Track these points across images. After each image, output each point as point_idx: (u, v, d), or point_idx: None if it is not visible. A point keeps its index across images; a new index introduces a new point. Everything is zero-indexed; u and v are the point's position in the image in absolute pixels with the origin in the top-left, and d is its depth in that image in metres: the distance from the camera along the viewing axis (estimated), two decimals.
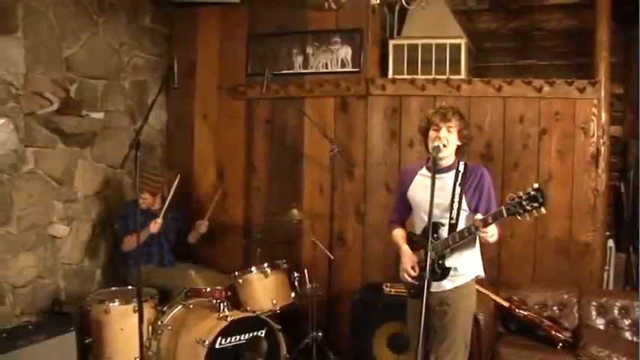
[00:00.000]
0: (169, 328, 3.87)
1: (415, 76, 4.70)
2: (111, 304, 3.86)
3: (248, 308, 4.08)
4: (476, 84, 4.62)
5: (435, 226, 3.12)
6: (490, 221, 2.84)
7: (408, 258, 3.25)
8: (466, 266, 3.17)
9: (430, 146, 3.12)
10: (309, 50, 4.90)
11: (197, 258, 4.93)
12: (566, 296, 4.25)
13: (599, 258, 4.49)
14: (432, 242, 3.04)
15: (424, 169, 3.26)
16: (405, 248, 3.29)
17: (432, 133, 3.12)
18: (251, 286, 4.15)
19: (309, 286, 4.42)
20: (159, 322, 3.91)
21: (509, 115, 4.59)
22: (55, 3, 4.18)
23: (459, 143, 3.16)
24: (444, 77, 4.64)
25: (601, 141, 4.43)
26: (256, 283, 4.15)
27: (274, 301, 4.12)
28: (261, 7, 5.04)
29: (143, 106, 5.04)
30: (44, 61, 4.14)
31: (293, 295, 4.28)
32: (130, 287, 4.16)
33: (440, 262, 3.14)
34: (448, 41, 4.70)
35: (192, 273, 4.48)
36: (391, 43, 4.82)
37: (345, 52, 4.81)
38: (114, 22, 4.67)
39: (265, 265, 4.21)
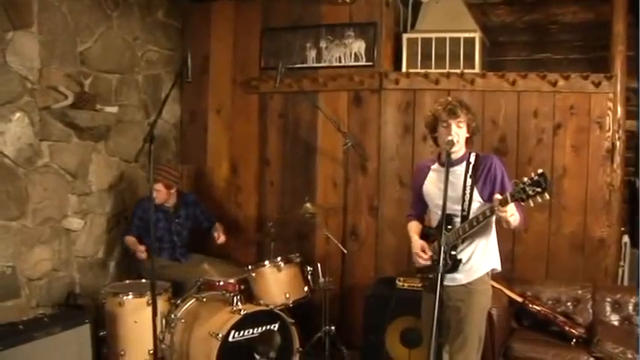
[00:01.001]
0: (183, 321, 3.89)
1: (429, 70, 4.67)
2: (125, 297, 3.89)
3: (261, 302, 4.09)
4: (490, 78, 4.59)
5: (449, 219, 3.11)
6: (508, 201, 2.77)
7: (417, 244, 3.27)
8: (481, 260, 3.15)
9: (443, 141, 3.12)
10: (323, 44, 4.89)
11: (210, 251, 4.95)
12: (580, 292, 4.22)
13: (614, 254, 4.45)
14: (444, 234, 3.08)
15: (436, 164, 3.26)
16: (415, 238, 3.31)
17: (442, 130, 3.12)
18: (264, 279, 4.17)
19: (322, 280, 4.42)
20: (172, 315, 3.92)
21: (524, 109, 4.56)
22: None
23: (468, 135, 3.15)
24: (457, 71, 4.61)
25: (616, 135, 4.38)
26: (269, 276, 4.17)
27: (287, 295, 4.13)
28: (275, 1, 5.04)
29: (157, 100, 5.05)
30: (59, 56, 4.17)
31: (306, 289, 4.28)
32: (143, 280, 4.20)
33: (451, 252, 3.14)
34: (462, 35, 4.67)
35: (206, 266, 4.53)
36: (405, 37, 4.79)
37: (359, 46, 4.80)
38: (128, 16, 4.69)
39: (279, 259, 4.22)
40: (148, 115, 4.99)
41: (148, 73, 5.00)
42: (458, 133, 3.07)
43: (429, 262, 3.24)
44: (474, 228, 3.00)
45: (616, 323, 4.09)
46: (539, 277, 4.46)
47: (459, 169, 3.12)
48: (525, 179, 2.67)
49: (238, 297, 3.93)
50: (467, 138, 3.15)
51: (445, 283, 3.16)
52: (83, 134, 4.34)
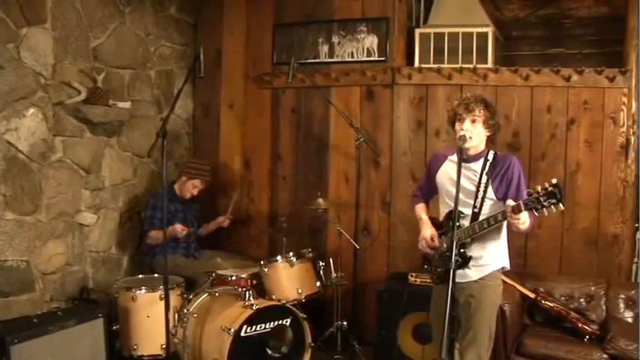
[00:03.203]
0: (195, 315, 3.91)
1: (442, 66, 4.65)
2: (138, 292, 3.93)
3: (273, 297, 4.08)
4: (503, 73, 4.56)
5: (459, 214, 3.12)
6: (522, 209, 2.76)
7: (428, 227, 3.28)
8: (492, 256, 3.15)
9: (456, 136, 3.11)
10: (335, 39, 4.88)
11: (223, 246, 4.96)
12: (593, 288, 4.20)
13: (628, 250, 4.42)
14: (456, 229, 3.07)
15: (454, 155, 3.21)
16: (426, 219, 3.32)
17: (457, 125, 3.10)
18: (276, 274, 4.15)
19: (334, 275, 4.42)
20: (185, 310, 3.94)
21: (537, 104, 4.53)
22: None
23: (488, 133, 3.12)
24: (470, 66, 4.58)
25: (631, 131, 4.34)
26: (282, 271, 4.15)
27: (299, 290, 4.10)
28: None
29: (169, 95, 5.08)
30: (72, 51, 4.19)
31: (318, 284, 4.27)
32: (156, 275, 4.24)
33: (461, 250, 3.14)
34: (475, 30, 4.64)
35: (219, 260, 4.55)
36: (417, 31, 4.77)
37: (371, 41, 4.78)
38: (141, 12, 4.71)
39: (291, 254, 4.20)
40: (161, 110, 5.00)
41: (161, 69, 5.01)
42: (470, 129, 3.04)
43: (430, 251, 3.26)
44: (484, 230, 3.00)
45: (629, 320, 4.06)
46: (552, 273, 4.44)
47: (476, 166, 3.11)
48: (539, 189, 2.67)
49: (250, 292, 3.93)
50: (487, 137, 3.13)
51: (456, 279, 3.19)
52: (96, 129, 4.36)
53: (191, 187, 4.60)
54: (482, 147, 3.14)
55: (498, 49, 4.89)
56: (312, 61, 4.93)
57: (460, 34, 4.67)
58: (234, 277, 4.20)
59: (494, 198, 3.07)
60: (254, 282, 4.19)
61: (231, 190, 5.08)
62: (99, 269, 4.51)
